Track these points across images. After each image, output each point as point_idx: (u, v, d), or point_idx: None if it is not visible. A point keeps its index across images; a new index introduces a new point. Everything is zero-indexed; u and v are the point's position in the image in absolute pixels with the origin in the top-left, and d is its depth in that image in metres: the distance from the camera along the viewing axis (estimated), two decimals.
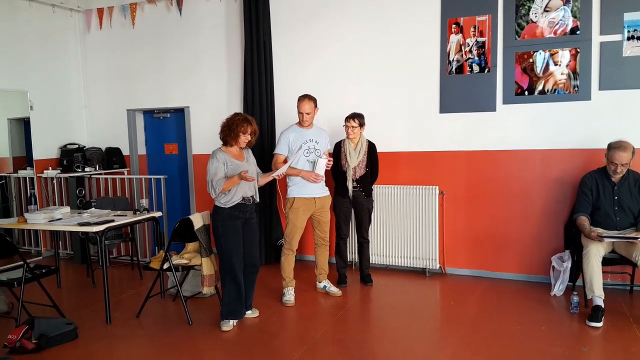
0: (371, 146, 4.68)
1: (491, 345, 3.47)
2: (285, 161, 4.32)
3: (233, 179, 3.69)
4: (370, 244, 4.95)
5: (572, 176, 4.53)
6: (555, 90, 4.55)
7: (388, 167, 5.04)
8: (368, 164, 4.64)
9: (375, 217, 5.10)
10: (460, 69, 4.84)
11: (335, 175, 4.70)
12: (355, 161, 4.57)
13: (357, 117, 4.54)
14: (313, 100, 4.32)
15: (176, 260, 4.15)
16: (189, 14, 5.98)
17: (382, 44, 5.11)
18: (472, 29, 4.77)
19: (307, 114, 4.28)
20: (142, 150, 6.64)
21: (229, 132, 3.74)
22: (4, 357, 3.40)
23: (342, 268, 4.84)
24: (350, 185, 4.59)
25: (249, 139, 3.81)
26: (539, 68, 4.58)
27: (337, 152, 4.67)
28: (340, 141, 4.69)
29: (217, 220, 3.77)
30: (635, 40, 4.28)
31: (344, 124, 4.57)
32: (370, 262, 4.97)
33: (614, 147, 3.96)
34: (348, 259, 5.02)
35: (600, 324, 3.69)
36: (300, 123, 4.37)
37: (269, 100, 5.54)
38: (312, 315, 4.20)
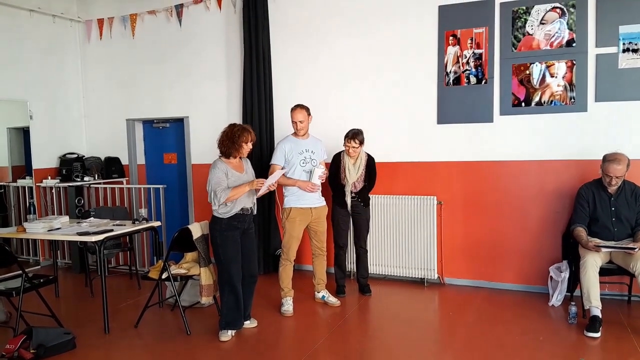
0: (370, 160, 4.69)
1: (489, 355, 3.48)
2: None
3: (242, 187, 3.71)
4: (368, 253, 4.96)
5: (569, 187, 4.55)
6: (551, 101, 4.60)
7: (386, 178, 5.06)
8: (366, 177, 4.65)
9: (374, 227, 5.11)
10: (457, 81, 4.89)
11: (333, 186, 4.72)
12: (354, 177, 4.58)
13: (357, 137, 4.48)
14: (305, 108, 4.36)
15: (175, 270, 4.15)
16: (188, 25, 6.03)
17: (380, 56, 5.15)
18: (469, 41, 4.82)
19: (301, 122, 4.33)
20: (141, 159, 6.65)
21: (231, 144, 3.75)
22: None
23: (341, 279, 4.83)
24: (349, 200, 4.60)
25: (251, 147, 3.84)
26: (535, 80, 4.63)
27: (337, 164, 4.68)
28: (340, 153, 4.70)
29: (216, 230, 3.78)
30: (631, 53, 4.33)
31: (344, 142, 4.55)
32: (369, 272, 4.96)
33: (608, 159, 3.99)
34: (347, 269, 5.03)
35: (598, 335, 3.69)
36: (295, 133, 4.40)
37: (267, 111, 5.57)
38: (310, 325, 4.20)
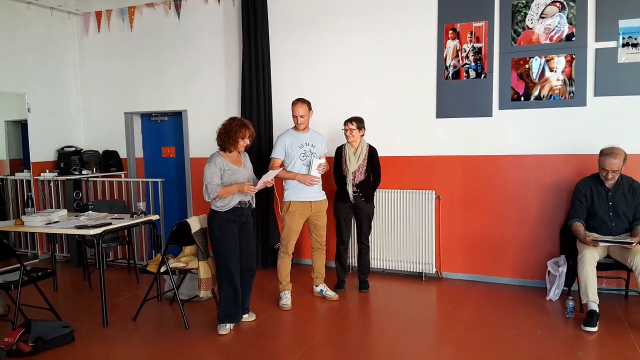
0: (372, 151, 4.65)
1: (487, 349, 3.49)
2: (281, 165, 4.34)
3: (231, 188, 3.72)
4: (370, 250, 4.91)
5: (567, 181, 4.56)
6: (551, 96, 4.59)
7: (385, 172, 5.02)
8: (368, 169, 4.61)
9: (373, 222, 5.11)
10: (456, 75, 4.87)
11: (337, 180, 4.71)
12: (354, 165, 4.56)
13: (355, 120, 4.53)
14: (306, 103, 4.35)
15: (173, 263, 4.15)
16: (187, 18, 6.00)
17: (379, 49, 5.13)
18: (468, 35, 4.80)
19: (301, 116, 4.31)
20: (139, 153, 6.64)
21: (227, 138, 3.75)
22: None
23: (341, 274, 4.82)
24: (350, 189, 4.57)
25: (248, 143, 3.83)
26: (534, 74, 4.62)
27: (339, 157, 4.67)
28: (342, 145, 4.69)
29: (214, 224, 3.79)
30: (630, 47, 4.32)
31: (343, 127, 4.58)
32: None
33: (605, 153, 3.99)
34: (348, 264, 5.02)
35: (595, 329, 3.71)
36: (296, 127, 4.39)
37: (266, 104, 5.56)
38: (308, 319, 4.21)
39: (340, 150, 4.69)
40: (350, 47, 5.26)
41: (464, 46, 4.82)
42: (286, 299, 4.39)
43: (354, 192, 4.59)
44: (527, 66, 4.63)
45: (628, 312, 4.11)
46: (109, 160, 6.43)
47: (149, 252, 5.98)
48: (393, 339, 3.73)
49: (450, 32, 4.86)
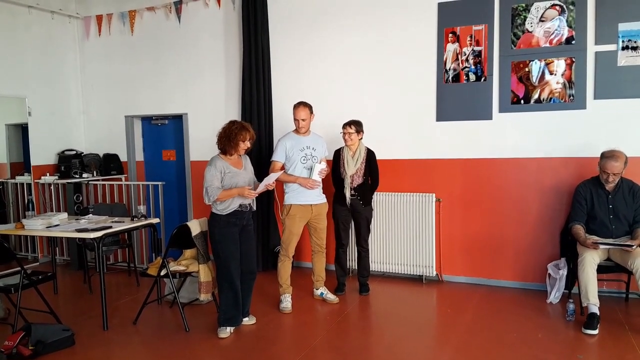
0: (370, 154, 4.64)
1: (487, 352, 3.48)
2: (282, 168, 4.35)
3: (232, 191, 3.73)
4: (369, 252, 4.91)
5: (567, 184, 4.56)
6: (550, 99, 4.59)
7: (385, 175, 5.04)
8: (366, 173, 4.61)
9: (372, 225, 5.10)
10: (456, 78, 4.88)
11: (335, 183, 4.71)
12: (352, 169, 4.56)
13: (353, 124, 4.52)
14: (308, 106, 4.35)
15: (173, 266, 4.15)
16: (187, 22, 6.02)
17: (379, 52, 5.14)
18: (468, 38, 4.81)
19: (303, 120, 4.32)
20: (140, 156, 6.65)
21: (227, 141, 3.76)
22: None
23: (341, 277, 4.82)
24: (348, 193, 4.57)
25: (248, 145, 3.84)
26: (534, 77, 4.62)
27: (337, 160, 4.67)
28: (340, 148, 4.68)
29: (214, 227, 3.79)
30: (630, 50, 4.33)
31: (341, 131, 4.58)
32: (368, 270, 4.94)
33: (606, 156, 4.00)
34: (348, 267, 5.02)
35: (595, 332, 3.71)
36: (297, 130, 4.40)
37: (266, 107, 5.56)
38: (309, 322, 4.20)
39: (338, 154, 4.69)
40: (350, 46, 5.27)
41: (464, 49, 4.83)
42: (286, 302, 4.39)
43: (351, 196, 4.59)
44: (527, 69, 4.64)
45: (628, 315, 4.11)
46: (109, 164, 6.43)
47: (149, 256, 5.98)
48: (393, 342, 3.72)
49: (450, 35, 4.87)
